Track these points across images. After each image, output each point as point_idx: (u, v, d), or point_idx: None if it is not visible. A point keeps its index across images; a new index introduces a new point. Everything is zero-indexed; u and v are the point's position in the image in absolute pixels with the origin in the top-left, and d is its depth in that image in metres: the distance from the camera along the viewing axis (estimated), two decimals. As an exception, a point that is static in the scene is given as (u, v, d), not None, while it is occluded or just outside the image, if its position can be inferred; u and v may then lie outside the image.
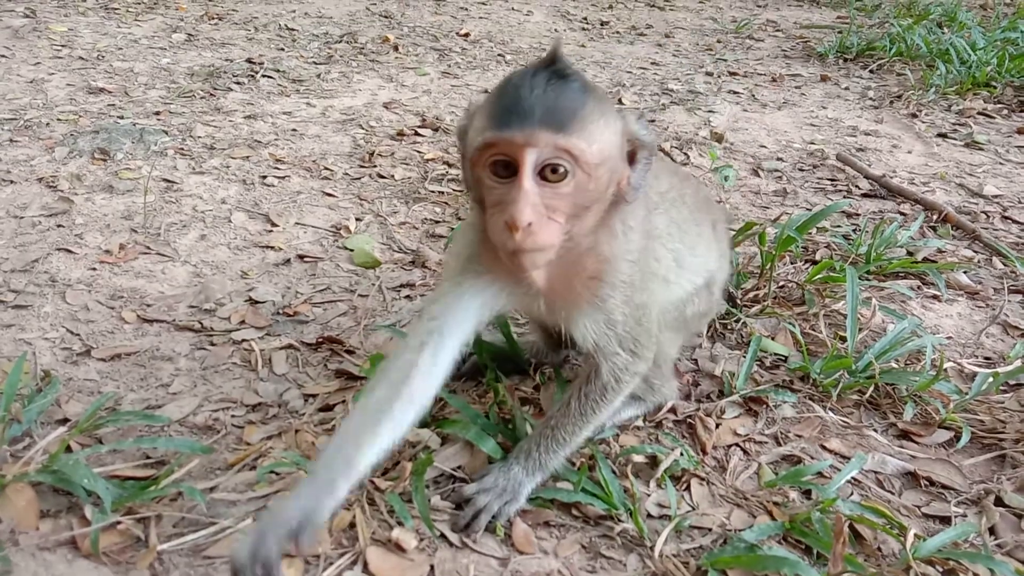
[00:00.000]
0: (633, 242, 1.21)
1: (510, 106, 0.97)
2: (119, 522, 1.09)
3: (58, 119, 2.60)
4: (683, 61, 3.91)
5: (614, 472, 1.23)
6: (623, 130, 1.08)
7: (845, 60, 3.95)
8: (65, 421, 1.30)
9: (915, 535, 1.14)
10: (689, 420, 1.40)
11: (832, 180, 2.54)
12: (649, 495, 1.23)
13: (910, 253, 2.01)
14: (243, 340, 1.54)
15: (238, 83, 3.08)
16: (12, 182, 2.15)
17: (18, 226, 1.93)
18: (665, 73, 3.67)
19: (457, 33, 4.11)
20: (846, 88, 3.54)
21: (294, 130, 2.68)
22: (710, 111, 3.15)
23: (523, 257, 1.01)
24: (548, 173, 0.99)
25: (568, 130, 0.97)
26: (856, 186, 2.49)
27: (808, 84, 3.59)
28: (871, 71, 3.77)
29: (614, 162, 1.06)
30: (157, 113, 2.72)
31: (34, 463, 1.17)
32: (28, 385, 1.35)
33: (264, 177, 2.30)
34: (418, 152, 2.57)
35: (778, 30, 4.64)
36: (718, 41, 4.31)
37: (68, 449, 1.21)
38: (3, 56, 3.19)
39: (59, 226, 1.94)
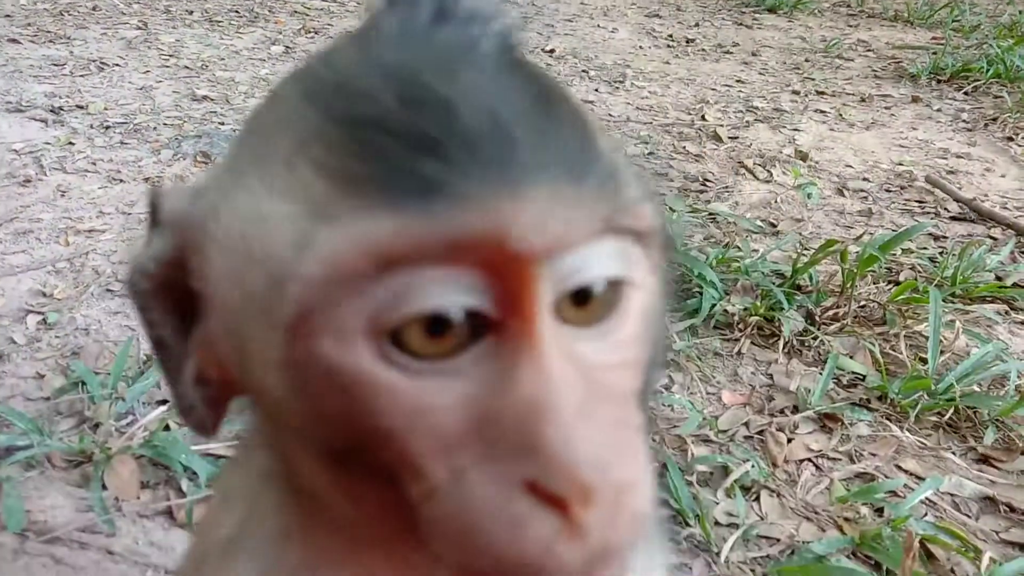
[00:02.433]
0: None
1: (432, 134, 0.31)
2: (211, 496, 1.16)
3: (164, 124, 2.77)
4: (769, 79, 3.88)
5: (685, 480, 1.25)
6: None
7: (938, 81, 3.85)
8: (164, 402, 1.39)
9: (991, 559, 1.12)
10: (760, 434, 1.40)
11: (920, 202, 2.49)
12: (718, 503, 1.24)
13: (999, 278, 1.96)
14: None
15: (331, 93, 3.22)
16: (122, 181, 2.30)
17: (126, 222, 2.07)
18: (750, 91, 3.66)
19: (543, 49, 4.18)
20: (938, 110, 3.46)
21: (382, 139, 2.79)
22: (795, 129, 3.12)
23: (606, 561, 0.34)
24: (571, 307, 0.35)
25: (610, 180, 0.35)
26: (945, 209, 2.43)
27: (898, 105, 3.52)
28: (966, 93, 3.67)
29: None
30: (255, 120, 2.86)
31: (136, 438, 1.26)
32: (132, 368, 1.45)
33: (353, 183, 2.40)
34: (501, 163, 2.63)
35: (869, 50, 4.55)
36: (806, 60, 4.26)
37: (166, 427, 1.30)
38: (117, 65, 3.40)
39: (163, 223, 2.07)
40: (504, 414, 0.33)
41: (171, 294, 0.39)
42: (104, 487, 1.16)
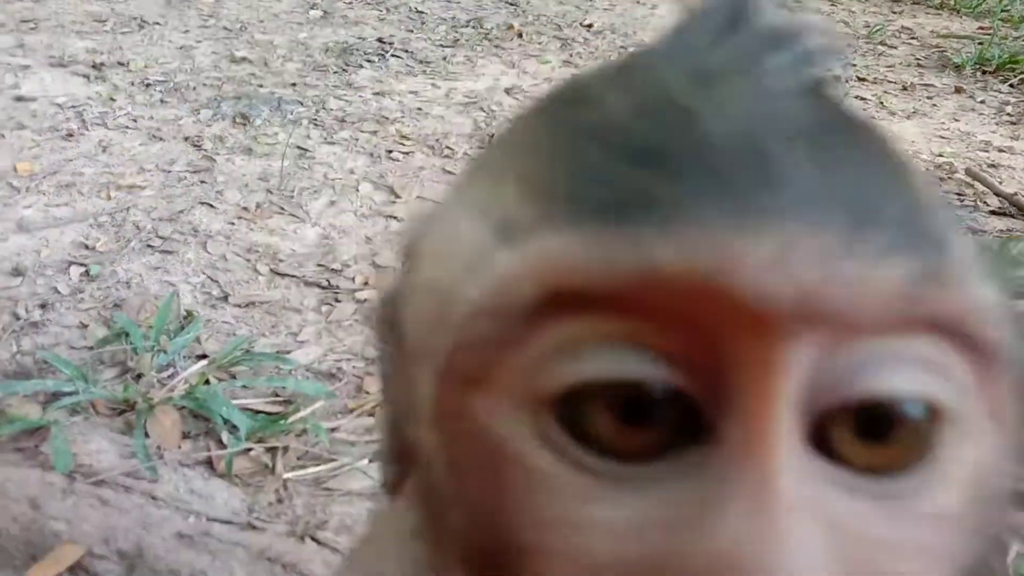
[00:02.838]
0: None
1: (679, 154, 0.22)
2: (250, 449, 1.19)
3: (203, 84, 2.79)
4: (809, 64, 3.83)
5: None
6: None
7: (983, 72, 3.79)
8: (204, 357, 1.42)
9: (1017, 552, 1.12)
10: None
11: (959, 195, 2.46)
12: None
13: (1038, 273, 1.94)
14: (366, 300, 1.64)
15: (369, 61, 3.22)
16: (162, 139, 2.33)
17: (166, 179, 2.09)
18: (789, 75, 3.61)
19: (581, 23, 4.15)
20: (982, 101, 3.40)
21: (419, 109, 2.79)
22: (834, 116, 3.08)
23: None
24: (850, 438, 0.21)
25: (939, 254, 0.22)
26: (984, 202, 2.40)
27: (941, 95, 3.47)
28: (1011, 85, 3.61)
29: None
30: (293, 84, 2.87)
31: (177, 390, 1.29)
32: (173, 322, 1.48)
33: (390, 152, 2.40)
34: (537, 137, 2.63)
35: (913, 37, 4.48)
36: (848, 45, 4.20)
37: (206, 382, 1.33)
38: (157, 24, 3.42)
39: (202, 182, 2.09)
40: (689, 566, 0.21)
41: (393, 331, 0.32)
42: (147, 435, 1.20)
